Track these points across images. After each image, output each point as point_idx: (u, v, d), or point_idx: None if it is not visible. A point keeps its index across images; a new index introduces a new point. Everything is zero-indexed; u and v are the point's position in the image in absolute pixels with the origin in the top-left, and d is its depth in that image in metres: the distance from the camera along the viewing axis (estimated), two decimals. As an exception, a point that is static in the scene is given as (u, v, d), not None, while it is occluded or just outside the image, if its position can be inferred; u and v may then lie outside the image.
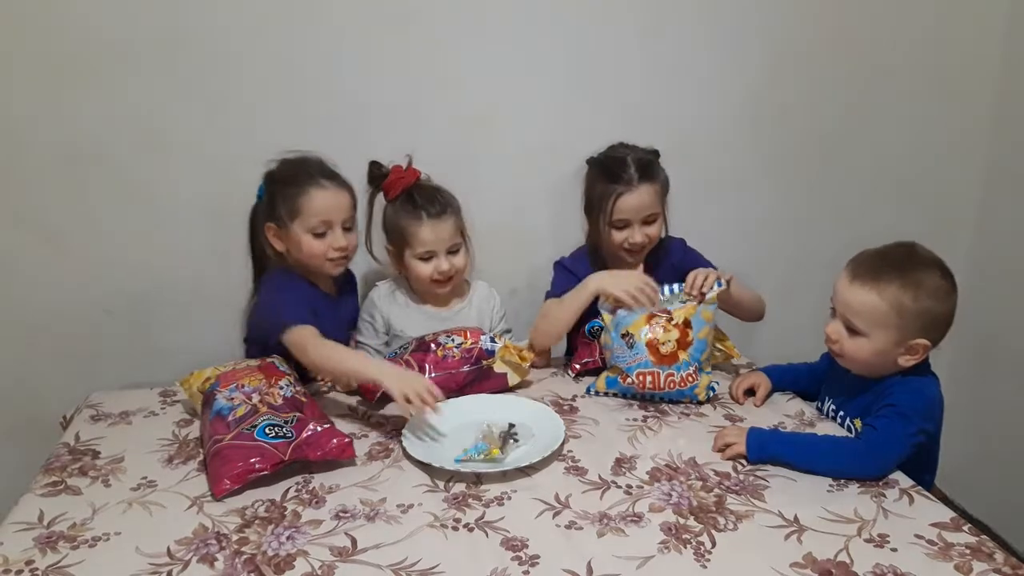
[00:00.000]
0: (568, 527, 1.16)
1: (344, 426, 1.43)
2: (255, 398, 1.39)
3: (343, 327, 1.76)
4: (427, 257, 1.70)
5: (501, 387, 1.63)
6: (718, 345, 1.69)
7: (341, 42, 1.82)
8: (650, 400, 1.59)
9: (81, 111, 1.73)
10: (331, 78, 1.83)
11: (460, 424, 1.46)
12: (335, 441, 1.32)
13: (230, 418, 1.34)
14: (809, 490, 1.26)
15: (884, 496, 1.24)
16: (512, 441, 1.39)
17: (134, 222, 1.83)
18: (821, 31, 2.07)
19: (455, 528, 1.17)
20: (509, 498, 1.24)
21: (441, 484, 1.29)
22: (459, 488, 1.27)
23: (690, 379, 1.55)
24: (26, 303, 1.83)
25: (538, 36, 1.91)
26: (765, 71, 2.07)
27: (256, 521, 1.18)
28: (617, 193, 1.69)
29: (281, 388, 1.44)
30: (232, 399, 1.39)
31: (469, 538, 1.14)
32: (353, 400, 1.61)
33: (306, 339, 1.49)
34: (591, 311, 1.70)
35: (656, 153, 1.77)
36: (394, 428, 1.47)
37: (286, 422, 1.33)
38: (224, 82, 1.78)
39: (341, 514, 1.20)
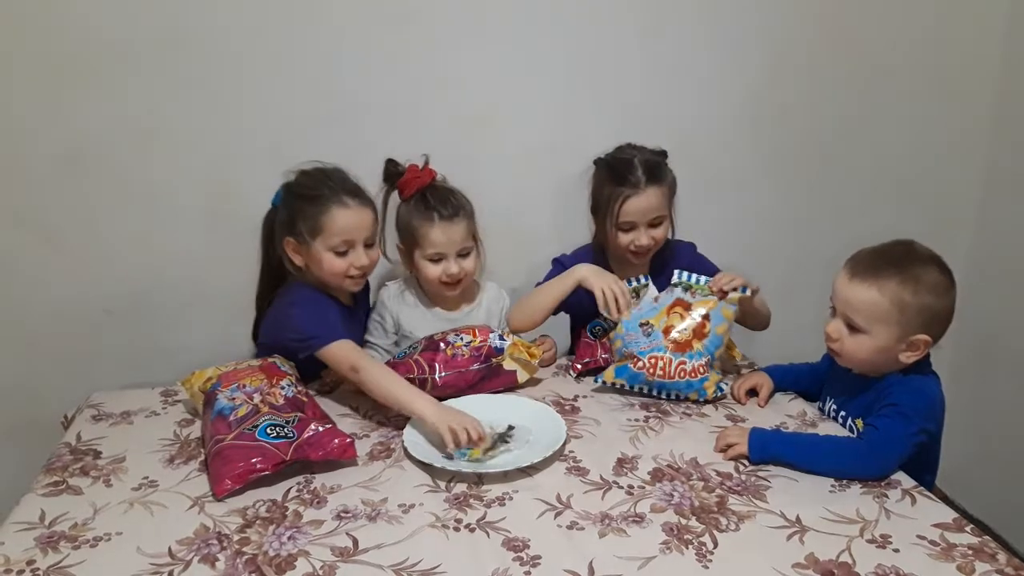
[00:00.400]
0: (570, 527, 1.16)
1: (345, 426, 1.43)
2: (256, 398, 1.39)
3: (358, 335, 1.75)
4: (437, 259, 1.69)
5: (511, 384, 1.63)
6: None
7: (341, 42, 1.82)
8: (658, 393, 1.58)
9: (81, 111, 1.73)
10: (331, 78, 1.83)
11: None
12: (336, 441, 1.32)
13: (231, 418, 1.34)
14: (811, 490, 1.26)
15: (886, 496, 1.24)
16: (503, 443, 1.38)
17: (134, 222, 1.83)
18: (821, 31, 2.07)
19: (456, 528, 1.16)
20: (510, 498, 1.24)
21: (442, 484, 1.28)
22: (460, 488, 1.27)
23: (701, 371, 1.55)
24: (26, 303, 1.82)
25: (538, 36, 1.91)
26: (765, 71, 2.07)
27: (257, 521, 1.18)
28: (624, 196, 1.69)
29: (282, 388, 1.44)
30: (233, 399, 1.38)
31: (470, 538, 1.14)
32: (353, 400, 1.61)
33: (352, 356, 1.49)
34: (594, 311, 1.70)
35: (664, 154, 1.77)
36: (395, 428, 1.47)
37: (287, 422, 1.33)
38: (224, 82, 1.78)
39: (342, 514, 1.20)
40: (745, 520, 1.18)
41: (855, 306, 1.35)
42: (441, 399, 1.53)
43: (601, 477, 1.31)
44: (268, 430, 1.30)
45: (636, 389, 1.61)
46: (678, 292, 1.63)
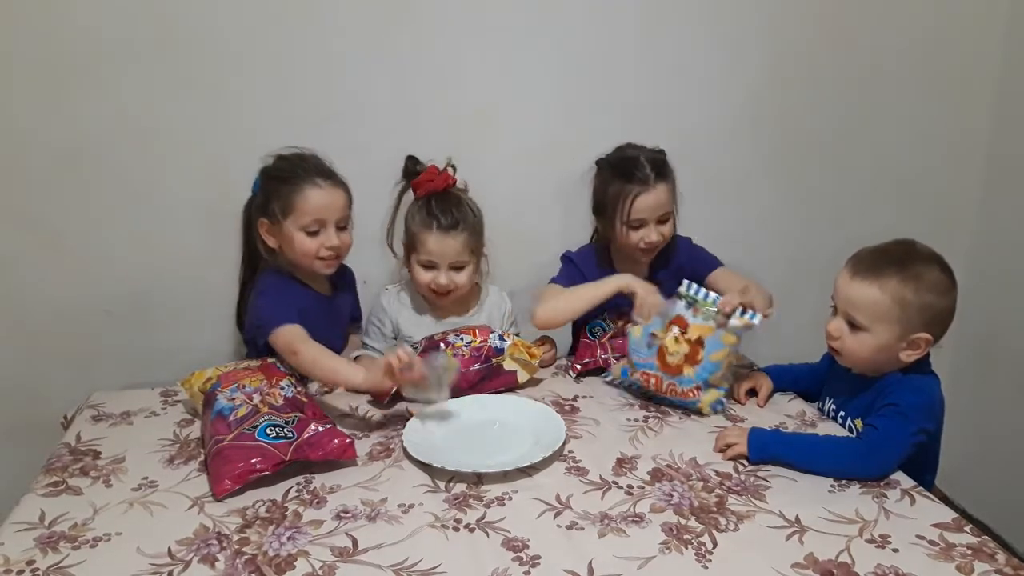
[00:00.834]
0: (569, 527, 1.16)
1: (345, 426, 1.43)
2: (256, 398, 1.39)
3: (338, 325, 1.76)
4: (429, 266, 1.69)
5: (511, 384, 1.63)
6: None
7: (341, 42, 1.82)
8: (651, 399, 1.58)
9: (81, 111, 1.73)
10: (331, 78, 1.83)
11: (461, 424, 1.46)
12: (336, 441, 1.32)
13: (231, 418, 1.34)
14: (810, 490, 1.26)
15: (885, 496, 1.24)
16: (442, 376, 1.42)
17: (134, 222, 1.83)
18: (821, 31, 2.07)
19: (456, 528, 1.16)
20: (510, 498, 1.24)
21: (442, 484, 1.28)
22: (460, 488, 1.27)
23: (691, 394, 1.51)
24: (26, 303, 1.83)
25: (538, 36, 1.91)
26: (765, 71, 2.07)
27: (257, 521, 1.18)
28: (635, 193, 1.69)
29: (282, 388, 1.44)
30: (233, 399, 1.38)
31: (470, 538, 1.14)
32: (353, 400, 1.61)
33: (294, 340, 1.50)
34: (595, 313, 1.72)
35: (663, 152, 1.77)
36: (395, 428, 1.47)
37: (287, 422, 1.33)
38: (224, 82, 1.78)
39: (342, 514, 1.20)
40: (744, 520, 1.18)
41: (856, 304, 1.35)
42: (442, 399, 1.54)
43: (601, 477, 1.31)
44: (268, 430, 1.30)
45: (635, 390, 1.62)
46: (680, 307, 1.55)
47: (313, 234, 1.60)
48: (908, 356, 1.34)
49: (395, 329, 1.76)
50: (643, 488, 1.27)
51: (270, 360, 1.54)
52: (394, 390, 1.53)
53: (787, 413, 1.53)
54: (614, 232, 1.76)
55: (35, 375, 1.87)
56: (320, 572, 1.07)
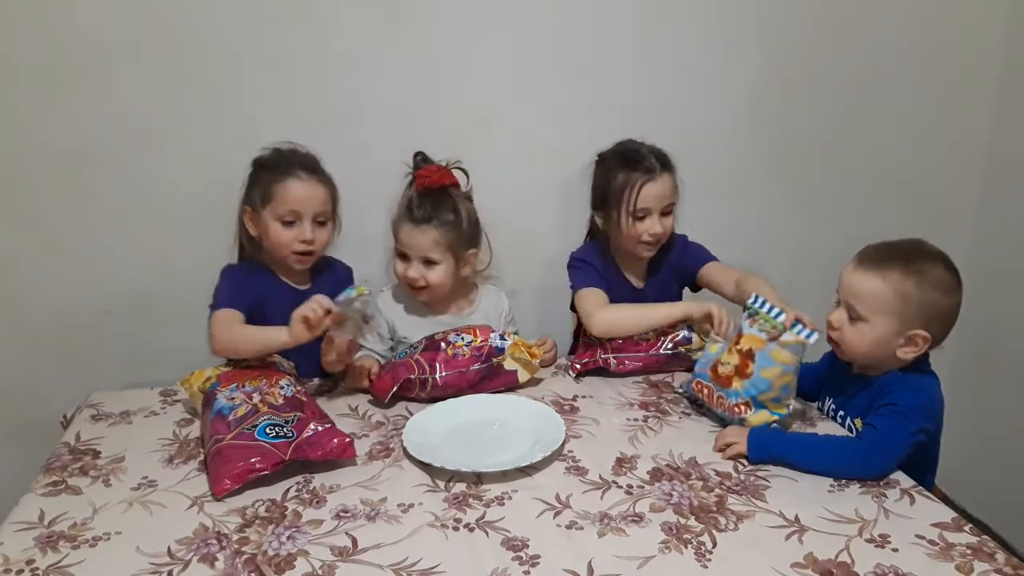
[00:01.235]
0: (569, 527, 1.16)
1: (344, 426, 1.43)
2: (256, 398, 1.39)
3: None
4: (403, 256, 1.70)
5: (511, 384, 1.63)
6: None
7: (341, 42, 1.82)
8: (708, 412, 1.53)
9: (81, 111, 1.74)
10: (331, 78, 1.84)
11: (461, 424, 1.46)
12: (336, 441, 1.32)
13: (231, 418, 1.34)
14: (810, 490, 1.26)
15: (885, 496, 1.24)
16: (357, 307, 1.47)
17: (134, 222, 1.83)
18: (821, 31, 2.07)
19: (456, 528, 1.16)
20: (510, 498, 1.24)
21: (441, 484, 1.28)
22: (460, 488, 1.27)
23: (737, 410, 1.43)
24: (26, 303, 1.83)
25: (538, 36, 1.91)
26: (765, 71, 2.07)
27: (257, 521, 1.18)
28: (641, 182, 1.70)
29: (282, 388, 1.44)
30: (233, 399, 1.39)
31: (470, 538, 1.14)
32: (353, 400, 1.61)
33: (218, 323, 1.52)
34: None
35: (655, 147, 1.77)
36: (394, 428, 1.47)
37: (287, 422, 1.33)
38: (224, 82, 1.79)
39: (342, 514, 1.20)
40: (744, 520, 1.18)
41: (858, 294, 1.35)
42: (441, 399, 1.54)
43: (600, 477, 1.31)
44: (267, 430, 1.30)
45: (703, 408, 1.54)
46: (743, 319, 1.48)
47: (288, 224, 1.61)
48: (905, 353, 1.34)
49: (391, 330, 1.76)
50: (643, 488, 1.27)
51: (270, 359, 1.54)
52: (394, 389, 1.53)
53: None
54: (618, 225, 1.74)
55: (35, 375, 1.87)
56: (320, 572, 1.06)
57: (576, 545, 1.12)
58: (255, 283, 1.65)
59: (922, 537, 1.13)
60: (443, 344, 1.60)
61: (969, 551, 1.09)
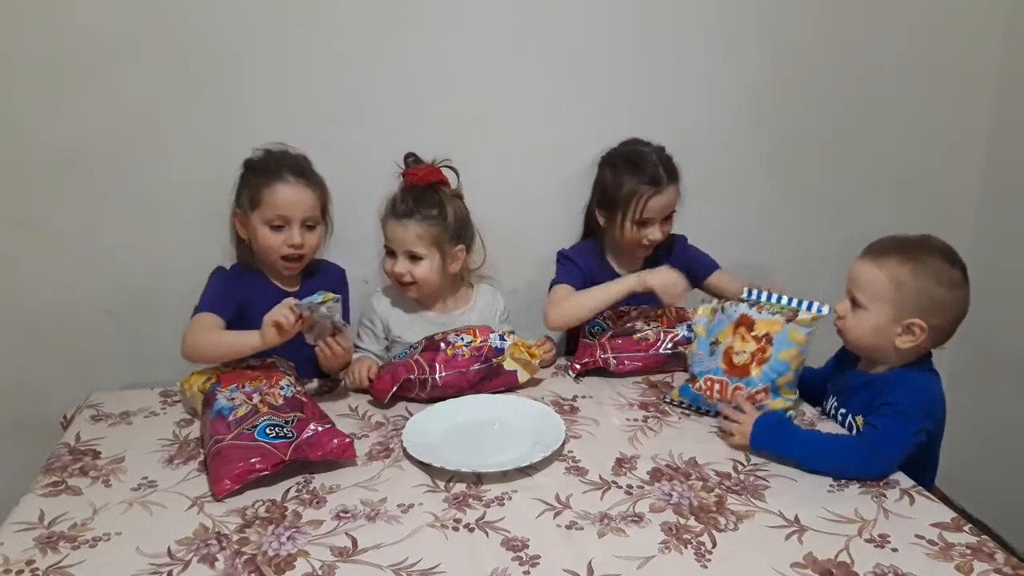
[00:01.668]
0: (569, 527, 1.16)
1: (344, 426, 1.43)
2: (256, 398, 1.39)
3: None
4: (389, 252, 1.72)
5: (511, 385, 1.63)
6: None
7: (341, 42, 1.82)
8: (708, 412, 1.52)
9: (81, 111, 1.74)
10: (331, 78, 1.84)
11: (461, 424, 1.46)
12: (336, 441, 1.32)
13: (231, 418, 1.34)
14: (810, 490, 1.26)
15: (885, 496, 1.24)
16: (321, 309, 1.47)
17: (134, 222, 1.83)
18: (821, 31, 2.07)
19: (455, 528, 1.16)
20: (509, 498, 1.24)
21: (441, 484, 1.28)
22: (459, 488, 1.27)
23: (758, 397, 1.44)
24: (26, 303, 1.83)
25: (538, 36, 1.91)
26: (765, 71, 2.07)
27: (257, 521, 1.18)
28: (649, 194, 1.73)
29: (282, 388, 1.44)
30: (233, 399, 1.39)
31: (470, 538, 1.14)
32: (353, 400, 1.61)
33: (190, 327, 1.53)
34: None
35: (664, 148, 1.81)
36: (394, 428, 1.47)
37: (287, 422, 1.33)
38: (224, 82, 1.79)
39: (342, 514, 1.20)
40: (744, 520, 1.18)
41: (858, 282, 1.39)
42: (441, 399, 1.54)
43: (600, 477, 1.31)
44: (267, 430, 1.30)
45: (703, 411, 1.53)
46: (744, 307, 1.50)
47: (277, 229, 1.61)
48: (903, 342, 1.35)
49: (386, 329, 1.77)
50: (643, 488, 1.27)
51: (270, 360, 1.54)
52: (394, 389, 1.53)
53: (787, 413, 1.53)
54: (620, 228, 1.78)
55: (35, 375, 1.87)
56: (320, 572, 1.07)
57: (576, 545, 1.12)
58: (242, 286, 1.65)
59: (922, 537, 1.13)
60: (443, 344, 1.60)
61: (969, 551, 1.09)
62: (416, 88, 1.88)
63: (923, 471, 1.35)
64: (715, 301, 1.61)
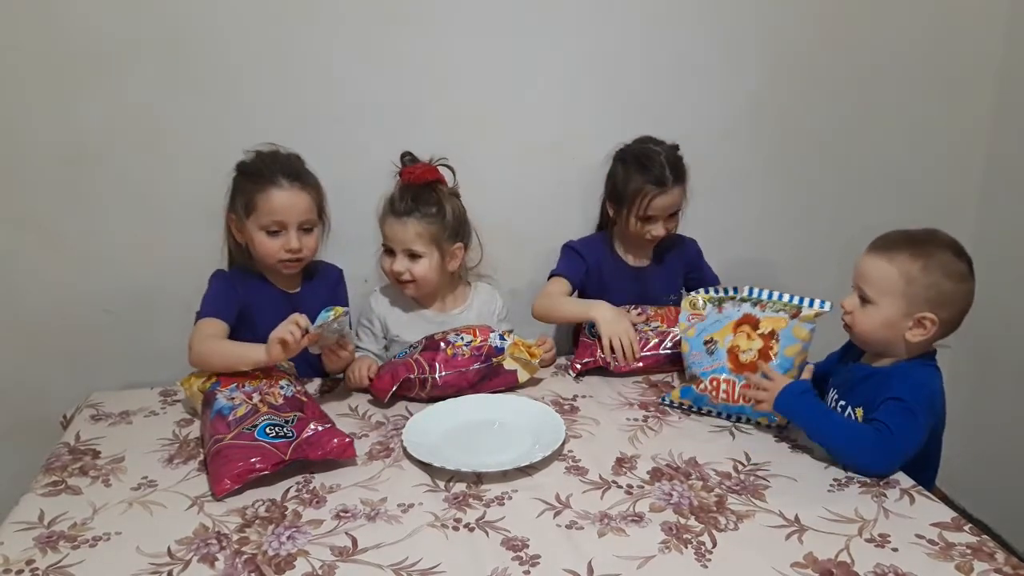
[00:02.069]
0: (569, 527, 1.16)
1: (344, 426, 1.43)
2: (255, 398, 1.39)
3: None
4: (388, 251, 1.72)
5: (511, 384, 1.63)
6: None
7: (341, 42, 1.82)
8: (727, 416, 1.51)
9: (81, 111, 1.73)
10: (331, 78, 1.83)
11: (461, 424, 1.46)
12: (336, 441, 1.32)
13: (230, 418, 1.34)
14: (810, 490, 1.26)
15: (885, 496, 1.24)
16: (335, 325, 1.47)
17: (134, 222, 1.83)
18: (821, 31, 2.07)
19: (456, 528, 1.16)
20: (510, 498, 1.24)
21: (441, 484, 1.28)
22: (460, 488, 1.27)
23: None
24: (26, 303, 1.82)
25: (538, 36, 1.91)
26: (765, 71, 2.07)
27: (257, 521, 1.18)
28: (653, 194, 1.78)
29: (282, 388, 1.44)
30: (232, 399, 1.39)
31: (470, 538, 1.14)
32: (353, 400, 1.61)
33: (195, 335, 1.53)
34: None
35: (678, 147, 1.85)
36: (394, 428, 1.47)
37: (287, 422, 1.33)
38: (224, 82, 1.78)
39: (342, 514, 1.20)
40: (744, 519, 1.18)
41: (867, 277, 1.39)
42: (441, 399, 1.54)
43: (600, 477, 1.31)
44: (267, 430, 1.30)
45: (705, 411, 1.53)
46: (747, 307, 1.53)
47: (273, 234, 1.60)
48: (913, 336, 1.35)
49: (384, 329, 1.77)
50: (643, 488, 1.27)
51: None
52: (394, 389, 1.53)
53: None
54: (626, 221, 1.85)
55: (35, 375, 1.87)
56: (320, 572, 1.07)
57: (576, 545, 1.12)
58: (243, 289, 1.65)
59: (922, 537, 1.13)
60: (443, 344, 1.60)
61: (969, 551, 1.09)
62: (416, 88, 1.88)
63: (923, 469, 1.35)
64: (693, 295, 1.62)
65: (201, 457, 1.36)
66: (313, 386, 1.66)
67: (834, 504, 1.21)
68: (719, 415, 1.51)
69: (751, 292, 1.55)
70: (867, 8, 2.08)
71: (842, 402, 1.46)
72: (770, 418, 1.45)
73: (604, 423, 1.50)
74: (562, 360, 1.81)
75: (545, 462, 1.33)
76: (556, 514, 1.20)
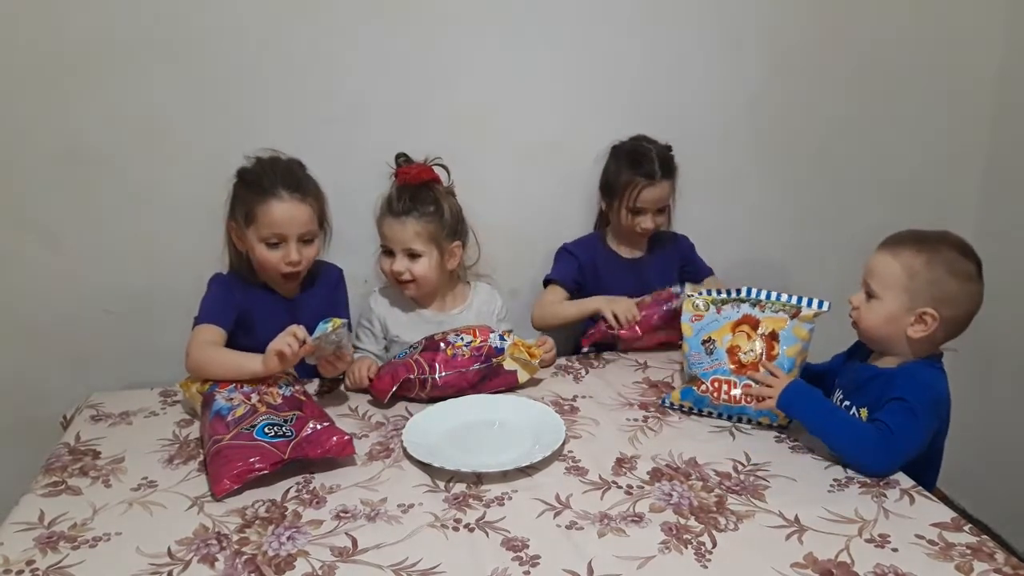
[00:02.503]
0: (569, 527, 1.16)
1: (344, 426, 1.43)
2: (254, 398, 1.39)
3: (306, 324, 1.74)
4: (387, 252, 1.72)
5: (511, 385, 1.63)
6: None
7: (341, 42, 1.82)
8: (728, 417, 1.50)
9: (81, 111, 1.73)
10: (331, 78, 1.84)
11: (461, 424, 1.46)
12: (335, 439, 1.32)
13: (229, 418, 1.34)
14: (810, 490, 1.26)
15: (885, 496, 1.24)
16: (333, 337, 1.47)
17: (134, 222, 1.83)
18: (821, 31, 2.07)
19: (456, 528, 1.16)
20: (510, 498, 1.24)
21: (441, 484, 1.28)
22: (460, 488, 1.27)
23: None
24: (26, 303, 1.83)
25: (538, 35, 1.91)
26: (764, 71, 2.07)
27: (257, 521, 1.18)
28: (642, 186, 1.85)
29: (280, 387, 1.44)
30: (231, 399, 1.39)
31: (470, 538, 1.14)
32: (353, 400, 1.61)
33: (193, 341, 1.53)
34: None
35: (670, 148, 1.92)
36: (394, 428, 1.47)
37: (286, 421, 1.33)
38: (224, 82, 1.78)
39: (342, 514, 1.20)
40: (744, 520, 1.18)
41: (873, 271, 1.40)
42: (441, 399, 1.54)
43: (600, 477, 1.31)
44: (266, 430, 1.30)
45: (705, 413, 1.52)
46: (746, 308, 1.53)
47: (273, 246, 1.60)
48: (914, 332, 1.35)
49: (384, 329, 1.77)
50: (643, 488, 1.27)
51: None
52: (394, 389, 1.53)
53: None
54: (617, 214, 1.91)
55: (35, 375, 1.87)
56: (320, 572, 1.07)
57: (576, 545, 1.12)
58: (242, 294, 1.65)
59: (922, 537, 1.13)
60: (442, 344, 1.60)
61: (969, 551, 1.09)
62: (416, 88, 1.88)
63: (926, 470, 1.36)
64: (694, 295, 1.62)
65: (201, 458, 1.36)
66: (312, 387, 1.66)
67: (834, 504, 1.21)
68: (719, 416, 1.51)
69: (749, 292, 1.56)
70: (867, 8, 2.08)
71: (847, 402, 1.46)
72: (772, 418, 1.45)
73: (604, 423, 1.50)
74: (562, 360, 1.80)
75: (545, 462, 1.33)
76: (556, 514, 1.20)
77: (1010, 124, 2.20)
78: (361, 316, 1.82)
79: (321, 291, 1.76)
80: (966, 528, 1.15)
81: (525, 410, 1.51)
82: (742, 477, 1.30)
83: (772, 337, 1.48)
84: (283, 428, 1.32)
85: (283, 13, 1.77)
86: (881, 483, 1.27)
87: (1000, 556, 1.08)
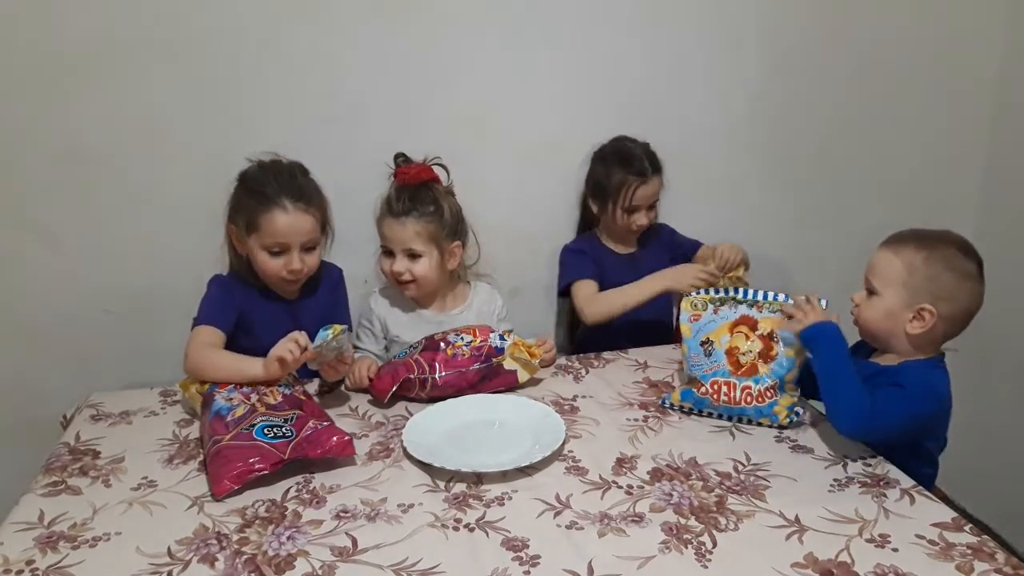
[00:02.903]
0: (569, 527, 1.16)
1: (344, 426, 1.43)
2: (253, 398, 1.39)
3: (308, 328, 1.72)
4: (387, 253, 1.72)
5: (511, 385, 1.63)
6: (732, 274, 1.81)
7: (341, 42, 1.82)
8: (728, 418, 1.49)
9: (81, 111, 1.73)
10: (331, 78, 1.84)
11: (461, 423, 1.46)
12: (335, 438, 1.32)
13: (229, 418, 1.34)
14: (810, 490, 1.26)
15: (885, 496, 1.24)
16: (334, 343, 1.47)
17: (134, 222, 1.83)
18: (821, 31, 2.07)
19: (456, 528, 1.16)
20: (510, 498, 1.24)
21: (442, 484, 1.28)
22: (460, 488, 1.27)
23: (768, 394, 1.45)
24: (26, 303, 1.82)
25: (538, 35, 1.91)
26: (764, 71, 2.07)
27: (257, 521, 1.18)
28: (636, 184, 1.89)
29: (280, 387, 1.44)
30: (231, 399, 1.39)
31: (470, 538, 1.14)
32: (353, 400, 1.61)
33: (192, 342, 1.53)
34: None
35: (649, 145, 1.94)
36: (394, 428, 1.47)
37: (285, 421, 1.33)
38: (224, 82, 1.78)
39: (342, 514, 1.20)
40: (744, 520, 1.18)
41: (874, 268, 1.42)
42: (441, 399, 1.54)
43: (600, 477, 1.31)
44: (265, 430, 1.30)
45: (705, 413, 1.52)
46: (743, 308, 1.53)
47: (275, 254, 1.59)
48: (913, 328, 1.36)
49: (384, 329, 1.77)
50: (643, 488, 1.27)
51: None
52: (394, 389, 1.53)
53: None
54: (612, 215, 1.94)
55: (35, 375, 1.87)
56: (320, 572, 1.07)
57: (576, 545, 1.12)
58: (242, 296, 1.65)
59: (922, 537, 1.13)
60: (443, 344, 1.60)
61: (969, 551, 1.09)
62: (415, 88, 1.88)
63: (923, 466, 1.37)
64: (693, 296, 1.61)
65: (201, 457, 1.36)
66: (312, 386, 1.66)
67: (834, 504, 1.21)
68: (720, 417, 1.51)
69: (746, 294, 1.55)
70: (867, 8, 2.08)
71: None
72: (772, 418, 1.45)
73: (604, 423, 1.50)
74: (562, 360, 1.80)
75: (545, 462, 1.33)
76: (556, 514, 1.20)
77: (1010, 124, 2.20)
78: (361, 316, 1.82)
79: (322, 293, 1.76)
80: (966, 528, 1.15)
81: (525, 410, 1.51)
82: (742, 477, 1.30)
83: (771, 338, 1.49)
84: (283, 428, 1.32)
85: (283, 13, 1.77)
86: (881, 483, 1.27)
87: (1001, 556, 1.08)
